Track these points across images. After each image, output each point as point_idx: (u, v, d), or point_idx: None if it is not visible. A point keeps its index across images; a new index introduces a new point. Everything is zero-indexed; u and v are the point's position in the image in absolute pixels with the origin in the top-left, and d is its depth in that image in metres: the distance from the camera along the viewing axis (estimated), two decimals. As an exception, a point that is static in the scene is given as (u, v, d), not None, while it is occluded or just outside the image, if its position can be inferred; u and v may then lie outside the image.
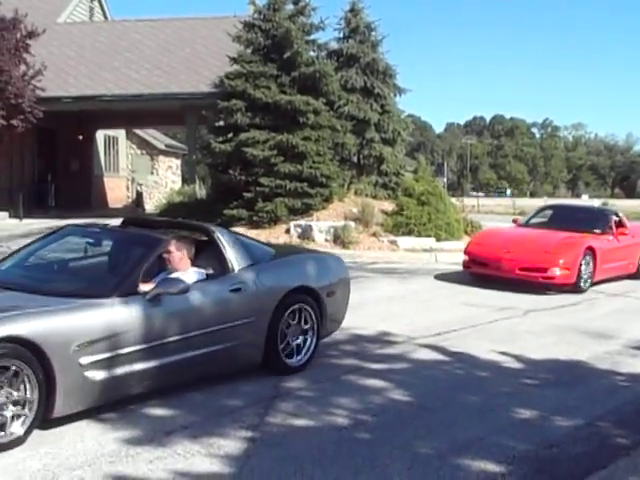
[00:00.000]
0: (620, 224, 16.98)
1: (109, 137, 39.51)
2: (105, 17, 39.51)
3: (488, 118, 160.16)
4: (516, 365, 9.09)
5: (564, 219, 17.08)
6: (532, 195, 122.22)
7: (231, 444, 6.05)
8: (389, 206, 23.48)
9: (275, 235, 21.27)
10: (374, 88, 25.13)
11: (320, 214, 22.44)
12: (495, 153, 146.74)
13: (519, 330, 11.17)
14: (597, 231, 16.16)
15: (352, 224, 21.23)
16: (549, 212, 18.58)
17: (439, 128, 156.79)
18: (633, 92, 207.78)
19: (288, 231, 21.45)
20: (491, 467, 5.78)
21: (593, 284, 15.31)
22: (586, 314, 12.86)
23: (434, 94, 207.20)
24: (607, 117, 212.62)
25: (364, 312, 11.93)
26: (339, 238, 20.62)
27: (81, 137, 35.26)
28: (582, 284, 14.92)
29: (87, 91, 27.54)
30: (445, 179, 38.93)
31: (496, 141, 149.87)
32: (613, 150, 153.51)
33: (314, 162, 22.06)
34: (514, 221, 18.70)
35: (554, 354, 9.67)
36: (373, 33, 26.02)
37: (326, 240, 20.83)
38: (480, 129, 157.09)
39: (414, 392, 7.70)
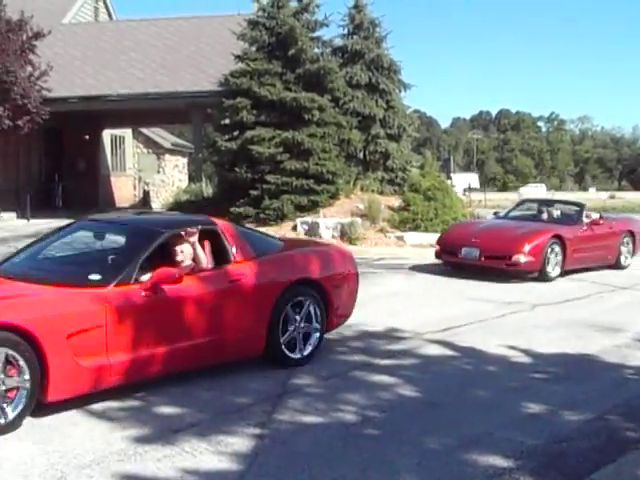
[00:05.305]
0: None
1: (115, 136, 39.51)
2: (110, 17, 39.54)
3: (494, 112, 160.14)
4: (525, 360, 9.06)
5: None
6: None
7: (239, 441, 6.04)
8: (395, 202, 23.49)
9: (282, 232, 21.27)
10: (379, 84, 25.12)
11: (327, 211, 22.46)
12: (501, 147, 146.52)
13: (527, 324, 11.14)
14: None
15: (359, 220, 21.24)
16: None
17: (445, 123, 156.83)
18: (639, 84, 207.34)
19: (295, 228, 21.47)
20: (500, 462, 5.76)
21: None
22: (594, 307, 12.81)
23: (439, 89, 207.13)
24: (613, 110, 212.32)
25: (372, 308, 11.93)
26: (346, 234, 20.63)
27: (87, 137, 35.29)
28: None
29: (93, 91, 27.56)
30: (452, 174, 38.84)
31: (502, 135, 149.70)
32: (619, 143, 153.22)
33: (320, 159, 22.08)
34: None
35: (562, 348, 9.63)
36: (377, 29, 26.04)
37: (333, 237, 20.83)
38: (486, 124, 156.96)
39: (422, 388, 7.69)
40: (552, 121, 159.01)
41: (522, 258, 15.18)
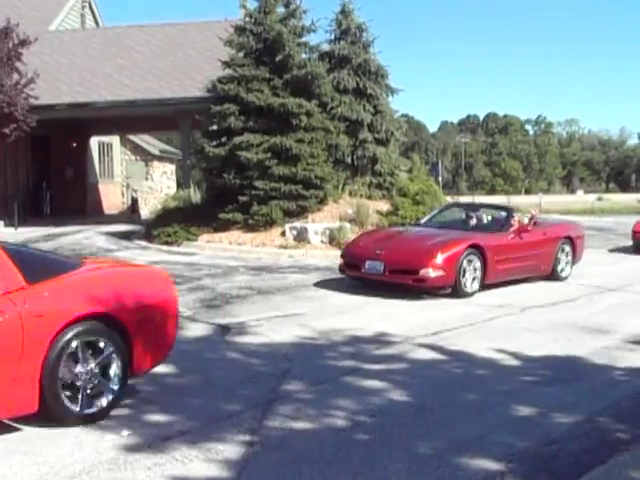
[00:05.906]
0: None
1: (103, 143, 39.46)
2: (97, 24, 39.48)
3: (482, 116, 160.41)
4: (514, 362, 9.07)
5: None
6: (527, 192, 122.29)
7: (229, 449, 6.03)
8: (384, 206, 23.49)
9: (271, 238, 21.24)
10: (366, 89, 25.11)
11: (315, 216, 22.42)
12: (489, 151, 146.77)
13: (516, 327, 11.15)
14: None
15: (347, 225, 21.22)
16: None
17: (433, 127, 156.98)
18: (626, 86, 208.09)
19: (284, 234, 21.41)
20: (491, 465, 5.76)
21: None
22: (583, 310, 12.83)
23: (427, 93, 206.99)
24: (600, 112, 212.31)
25: (361, 313, 11.94)
26: (335, 239, 20.60)
27: (75, 144, 35.22)
28: None
29: (80, 98, 27.46)
30: (440, 178, 38.93)
31: (490, 139, 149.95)
32: (607, 145, 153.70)
33: (308, 164, 22.04)
34: None
35: (552, 350, 9.66)
36: (364, 34, 26.00)
37: (322, 242, 20.82)
38: (474, 127, 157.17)
39: (412, 392, 7.69)
40: (540, 124, 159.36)
41: (431, 272, 13.29)
